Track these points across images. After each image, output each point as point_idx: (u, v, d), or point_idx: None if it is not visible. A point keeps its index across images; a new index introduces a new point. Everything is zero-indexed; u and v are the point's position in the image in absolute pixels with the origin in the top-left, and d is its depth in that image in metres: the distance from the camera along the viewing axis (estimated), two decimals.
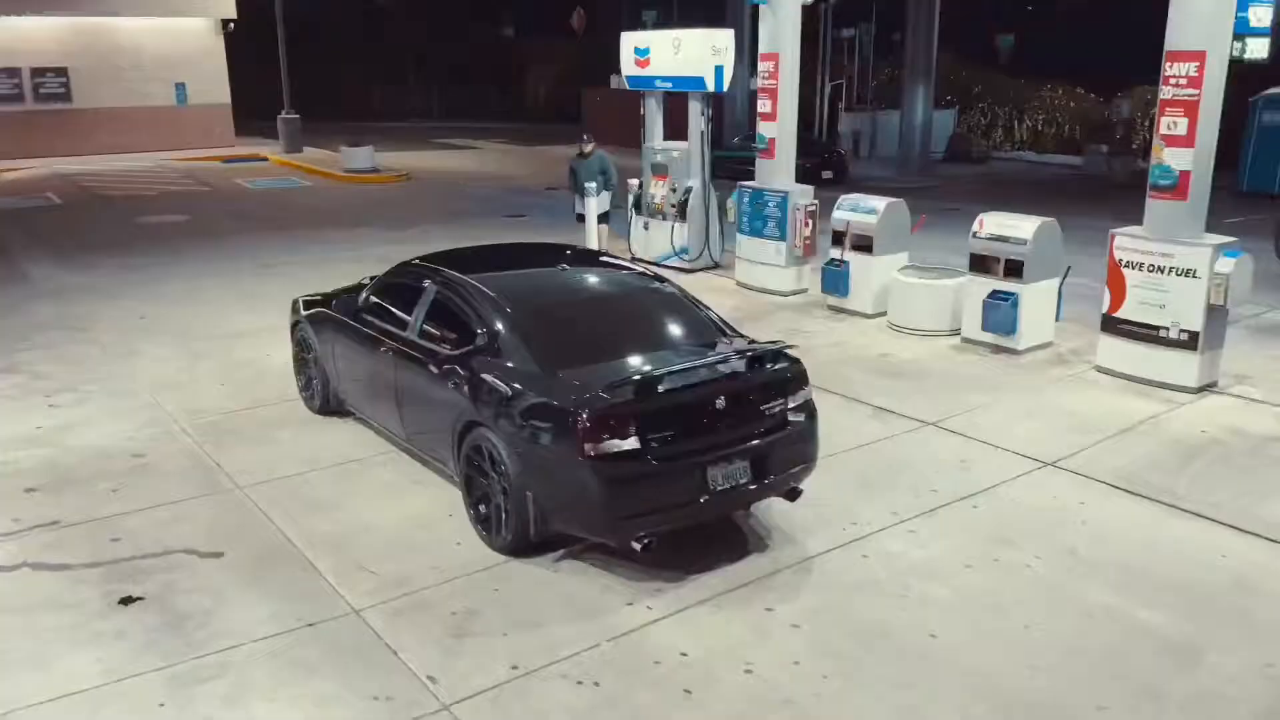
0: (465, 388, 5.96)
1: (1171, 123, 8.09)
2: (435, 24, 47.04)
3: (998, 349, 9.51)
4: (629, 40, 13.20)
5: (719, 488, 5.45)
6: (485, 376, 5.84)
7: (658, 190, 13.16)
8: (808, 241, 11.52)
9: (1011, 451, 7.28)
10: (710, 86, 12.17)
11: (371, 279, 8.65)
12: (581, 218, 14.30)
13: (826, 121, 27.49)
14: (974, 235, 9.60)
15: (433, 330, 6.53)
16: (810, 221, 11.46)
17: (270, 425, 7.94)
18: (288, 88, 27.99)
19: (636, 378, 5.33)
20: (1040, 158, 27.83)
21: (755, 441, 5.61)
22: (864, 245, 10.65)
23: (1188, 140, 8.03)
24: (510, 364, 5.81)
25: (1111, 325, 8.74)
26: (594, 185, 13.78)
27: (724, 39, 12.13)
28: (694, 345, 6.12)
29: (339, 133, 32.76)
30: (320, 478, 6.95)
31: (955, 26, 27.20)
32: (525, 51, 47.89)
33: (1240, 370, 8.76)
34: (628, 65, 13.24)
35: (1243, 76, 26.08)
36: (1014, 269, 9.30)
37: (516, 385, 5.65)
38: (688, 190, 12.78)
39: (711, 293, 11.80)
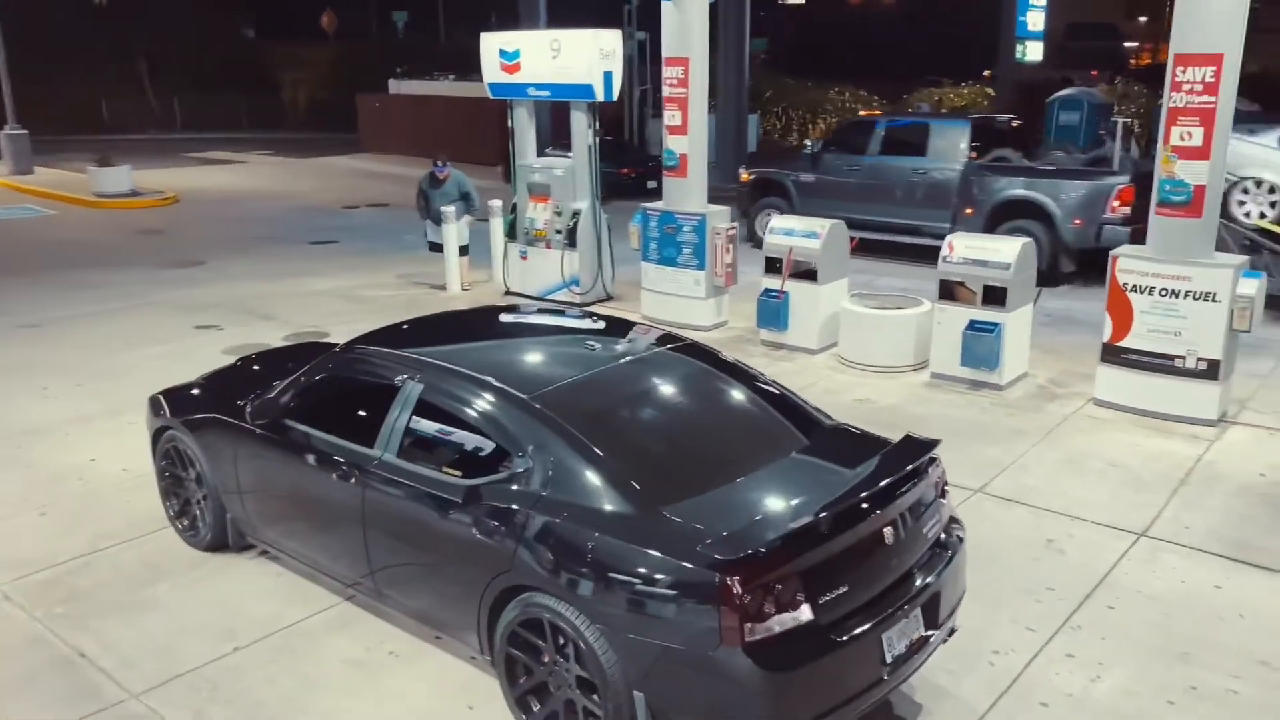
0: (503, 535, 4.17)
1: (1185, 133, 7.35)
2: (166, 25, 42.23)
3: (977, 384, 8.55)
4: (492, 42, 11.37)
5: (896, 653, 3.98)
6: (543, 520, 4.07)
7: (538, 214, 11.43)
8: (729, 269, 10.21)
9: (1089, 521, 6.23)
10: (600, 95, 10.60)
11: (249, 361, 6.63)
12: (436, 247, 12.39)
13: (637, 128, 26.35)
14: (944, 260, 8.59)
15: (425, 449, 4.66)
16: (730, 247, 10.15)
17: (141, 577, 5.71)
18: (11, 97, 23.73)
19: (800, 520, 3.75)
20: None
21: (925, 578, 4.18)
22: (806, 273, 9.44)
23: (1203, 152, 7.31)
24: (580, 500, 4.07)
25: (1115, 355, 7.95)
26: (453, 209, 11.92)
27: (611, 41, 10.60)
28: (809, 447, 4.59)
29: (67, 149, 28.32)
30: (252, 663, 4.89)
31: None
32: (275, 55, 43.91)
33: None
34: (490, 70, 11.42)
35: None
36: (995, 296, 8.35)
37: (603, 534, 3.93)
38: (576, 213, 11.14)
39: None
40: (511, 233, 11.75)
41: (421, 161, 14.11)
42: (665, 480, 4.13)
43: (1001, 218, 12.55)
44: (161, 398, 6.10)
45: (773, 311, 9.61)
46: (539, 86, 11.07)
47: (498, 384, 4.52)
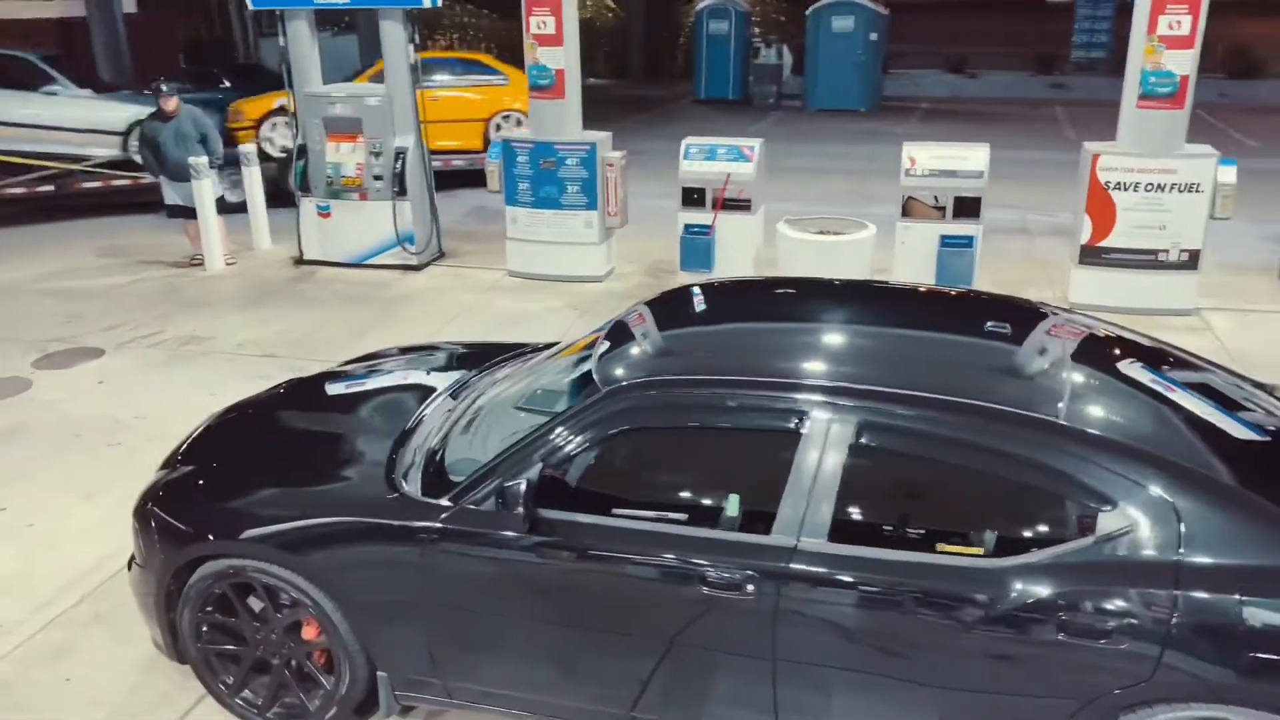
0: (1125, 631, 2.75)
1: (1173, 21, 7.18)
2: None
3: None
4: None
5: None
6: (1212, 601, 2.73)
7: (345, 157, 8.93)
8: (622, 206, 8.68)
9: None
10: None
11: (250, 421, 4.26)
12: (180, 211, 9.41)
13: (254, 48, 22.57)
14: (907, 174, 7.87)
15: (885, 525, 3.04)
16: (621, 179, 8.62)
17: None
18: None
19: None
20: None
21: None
22: (741, 202, 8.24)
23: (1189, 41, 7.21)
24: (1251, 558, 2.78)
25: (1095, 256, 7.78)
26: (204, 160, 9.06)
27: None
28: None
29: None
30: None
31: None
32: None
33: None
34: None
35: None
36: (967, 207, 7.82)
37: None
38: (400, 153, 8.84)
39: (484, 294, 8.53)
40: (303, 184, 9.12)
41: None
42: None
43: None
44: (171, 512, 3.64)
45: (700, 251, 8.32)
46: None
47: (1022, 410, 3.00)
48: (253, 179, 9.80)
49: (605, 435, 3.23)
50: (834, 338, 3.70)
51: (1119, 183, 7.58)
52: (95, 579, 4.64)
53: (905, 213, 7.99)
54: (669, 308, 3.97)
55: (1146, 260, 7.68)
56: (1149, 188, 7.53)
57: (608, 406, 3.23)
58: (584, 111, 8.70)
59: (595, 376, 3.37)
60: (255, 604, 3.64)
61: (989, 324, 3.58)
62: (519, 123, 12.56)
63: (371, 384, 4.53)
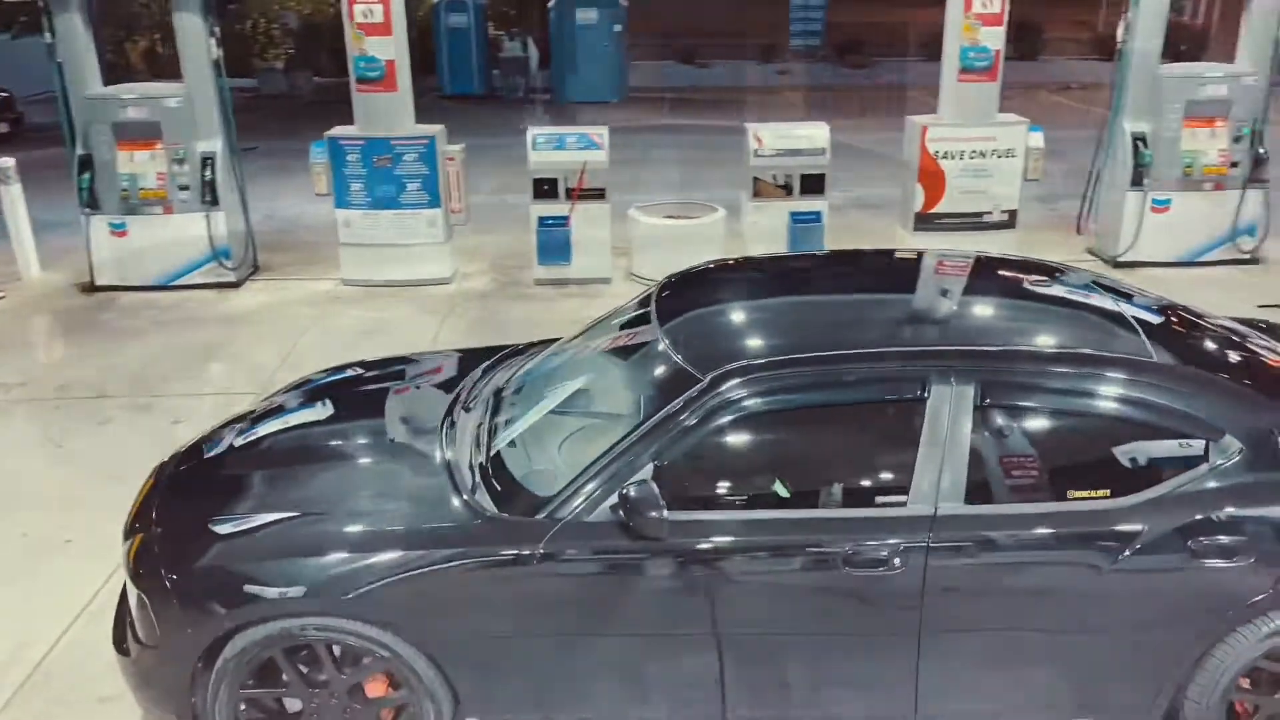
0: (1236, 551, 2.96)
1: (985, 2, 7.78)
2: None
3: None
4: None
5: None
6: None
7: (143, 166, 7.89)
8: (463, 202, 8.28)
9: None
10: None
11: (200, 468, 3.71)
12: None
13: None
14: (755, 154, 8.04)
15: (1012, 480, 3.08)
16: (464, 174, 8.22)
17: None
18: None
19: None
20: None
21: None
22: (595, 191, 8.08)
23: (999, 18, 7.86)
24: None
25: (928, 222, 8.33)
26: None
27: None
28: None
29: None
30: None
31: None
32: None
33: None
34: None
35: None
36: (813, 184, 8.11)
37: None
38: (209, 158, 7.94)
39: (325, 306, 7.95)
40: (91, 200, 7.99)
41: None
42: None
43: None
44: (199, 576, 3.09)
45: (559, 243, 8.09)
46: None
47: (1128, 355, 3.13)
48: (13, 197, 8.49)
49: (716, 425, 3.05)
50: (911, 305, 3.74)
51: (946, 151, 8.14)
52: (16, 674, 3.86)
53: (756, 193, 8.17)
54: (706, 288, 3.82)
55: (973, 222, 8.31)
56: (973, 154, 8.14)
57: (715, 395, 3.04)
58: (317, 114, 8.13)
59: (683, 364, 3.18)
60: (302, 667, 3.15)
61: (1031, 278, 3.72)
62: None
63: (352, 404, 4.04)
